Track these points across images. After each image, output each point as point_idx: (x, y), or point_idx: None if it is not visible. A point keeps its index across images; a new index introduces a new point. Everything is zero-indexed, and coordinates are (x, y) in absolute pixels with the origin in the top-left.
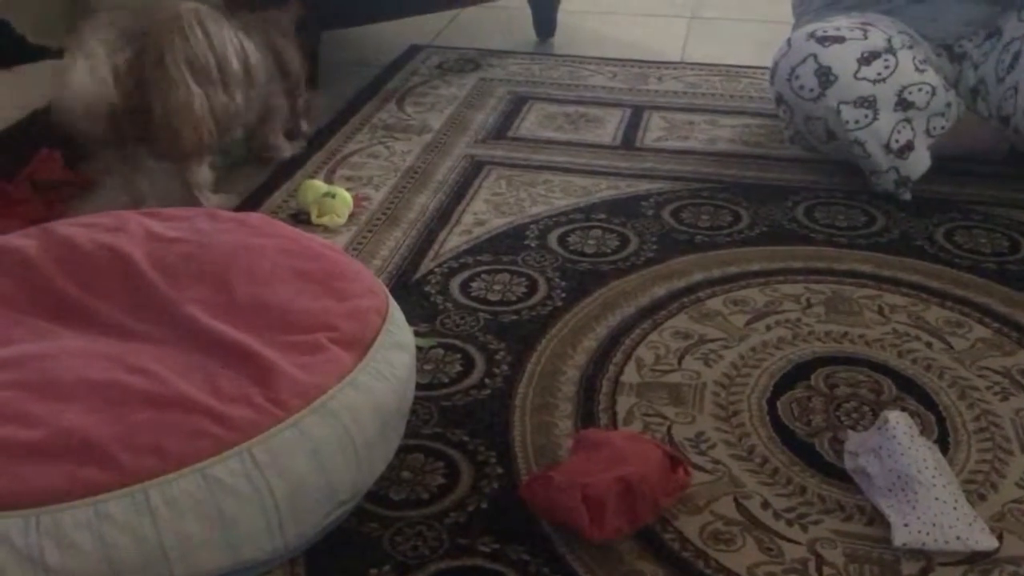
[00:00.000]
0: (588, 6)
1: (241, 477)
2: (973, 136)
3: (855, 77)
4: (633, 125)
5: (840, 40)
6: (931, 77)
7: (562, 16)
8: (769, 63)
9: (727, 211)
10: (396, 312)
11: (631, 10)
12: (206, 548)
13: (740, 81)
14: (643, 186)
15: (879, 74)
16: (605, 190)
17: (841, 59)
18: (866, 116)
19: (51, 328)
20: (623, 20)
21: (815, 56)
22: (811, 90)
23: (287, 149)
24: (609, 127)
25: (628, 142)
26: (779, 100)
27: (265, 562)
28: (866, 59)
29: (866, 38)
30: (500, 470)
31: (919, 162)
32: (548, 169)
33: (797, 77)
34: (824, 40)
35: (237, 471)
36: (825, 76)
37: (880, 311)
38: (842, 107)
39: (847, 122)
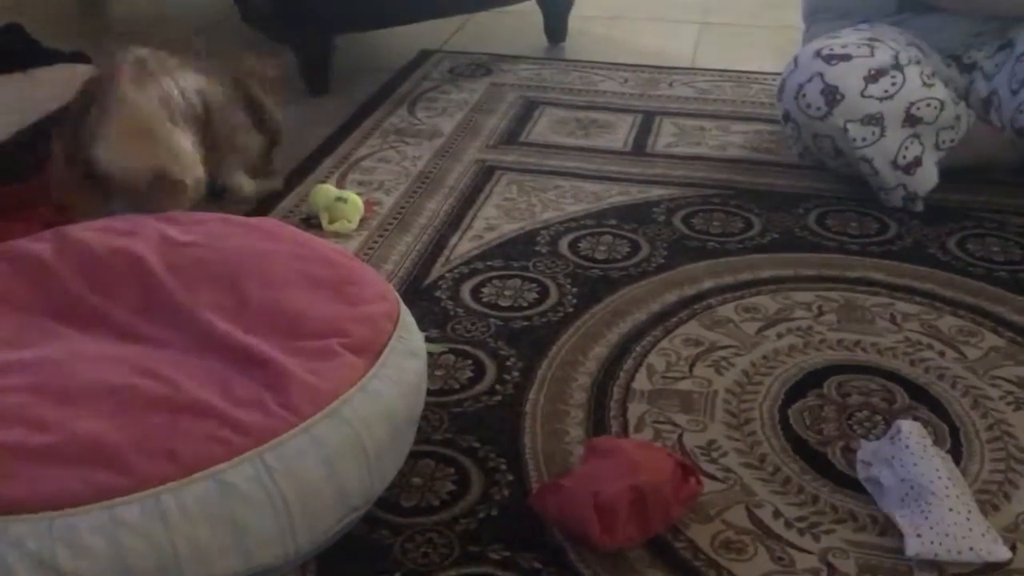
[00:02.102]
0: (599, 11)
1: (253, 483)
2: (985, 147)
3: (862, 95)
4: (644, 131)
5: (847, 58)
6: (939, 91)
7: (573, 21)
8: (780, 69)
9: (738, 218)
10: (407, 318)
11: (642, 15)
12: (218, 553)
13: (751, 87)
14: (654, 192)
15: (886, 91)
16: (616, 196)
17: (847, 78)
18: (873, 133)
19: (65, 332)
20: (634, 25)
21: (821, 75)
22: (818, 108)
23: (247, 186)
24: (620, 132)
25: (639, 148)
26: (787, 117)
27: (277, 567)
28: (873, 77)
29: (873, 55)
30: (511, 477)
31: (927, 178)
32: (559, 174)
33: (804, 95)
34: (831, 59)
35: (250, 476)
36: (832, 95)
37: (892, 319)
38: (849, 125)
39: (854, 140)
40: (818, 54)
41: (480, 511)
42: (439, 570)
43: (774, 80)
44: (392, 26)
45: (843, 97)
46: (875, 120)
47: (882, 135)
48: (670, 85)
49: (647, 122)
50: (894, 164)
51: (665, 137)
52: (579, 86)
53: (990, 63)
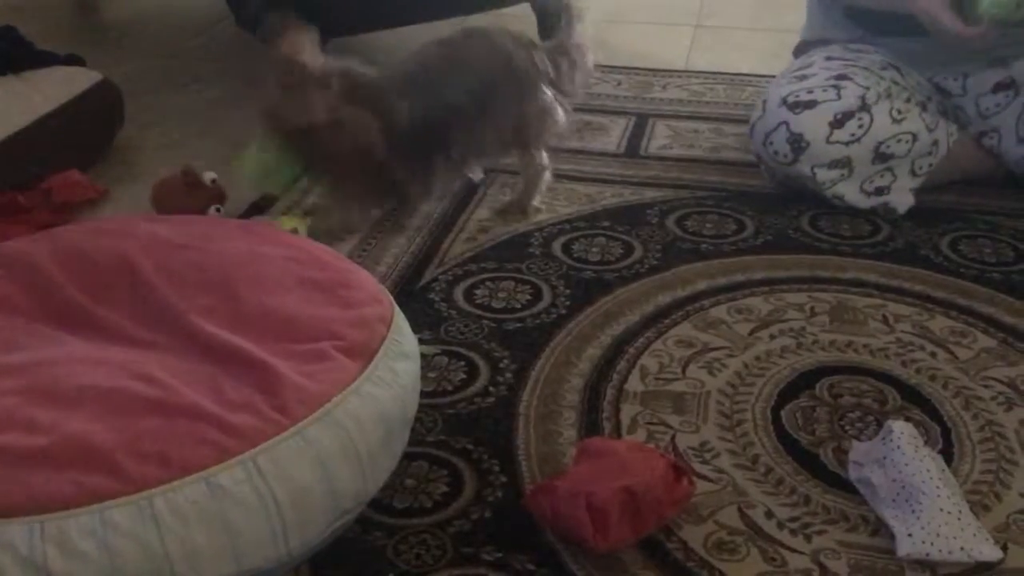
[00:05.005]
0: (593, 14)
1: (246, 485)
2: (968, 163)
3: (827, 142)
4: (638, 133)
5: (812, 105)
6: (911, 124)
7: None
8: (774, 71)
9: (731, 219)
10: (401, 320)
11: (636, 18)
12: (210, 556)
13: (744, 89)
14: (647, 194)
15: (852, 135)
16: (609, 198)
17: (812, 126)
18: (842, 175)
19: (57, 334)
20: (628, 28)
21: (787, 124)
22: (785, 155)
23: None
24: (614, 135)
25: (633, 150)
26: (758, 159)
27: (269, 570)
28: (838, 121)
29: (839, 98)
30: (504, 478)
31: (901, 201)
32: (553, 176)
33: (771, 143)
34: (795, 106)
35: (241, 479)
36: (797, 143)
37: (885, 320)
38: (816, 170)
39: (823, 183)
40: (784, 101)
41: (473, 512)
42: (432, 571)
43: (767, 83)
44: (386, 29)
45: (808, 144)
46: (842, 163)
47: (850, 175)
48: (664, 88)
49: (640, 124)
50: (865, 193)
51: (659, 139)
52: None
53: (988, 100)
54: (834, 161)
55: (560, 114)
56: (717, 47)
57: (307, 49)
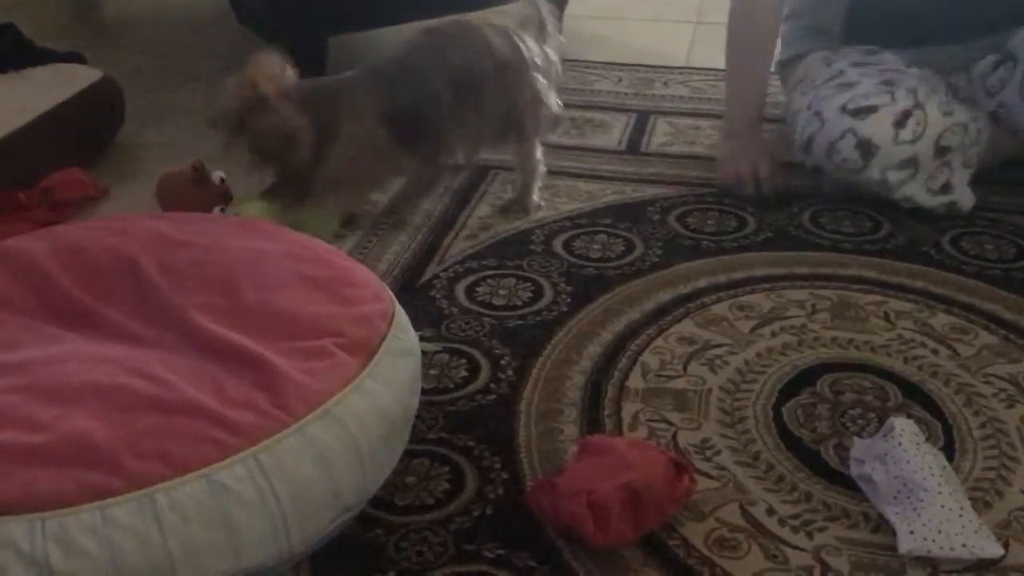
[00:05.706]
0: (594, 10)
1: (247, 483)
2: (1004, 146)
3: (895, 143)
4: (639, 130)
5: (873, 109)
6: (959, 115)
7: (568, 20)
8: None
9: (733, 216)
10: (402, 317)
11: (637, 15)
12: (211, 553)
13: None
14: (649, 191)
15: (915, 132)
16: (610, 195)
17: (879, 128)
18: (910, 175)
19: (58, 332)
20: (629, 25)
21: (853, 131)
22: (854, 162)
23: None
24: (615, 132)
25: (634, 147)
26: (815, 170)
27: (270, 568)
28: (900, 122)
29: (894, 100)
30: (505, 475)
31: (964, 198)
32: (553, 174)
33: (838, 152)
34: (857, 112)
35: (243, 477)
36: (866, 148)
37: (886, 317)
38: (887, 173)
39: (893, 184)
40: (844, 109)
41: (474, 509)
42: (433, 568)
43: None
44: (387, 26)
45: (878, 148)
46: (910, 163)
47: (916, 173)
48: (665, 84)
49: (642, 121)
50: (931, 192)
51: (660, 136)
52: (574, 85)
53: (992, 79)
54: (903, 162)
55: (553, 101)
56: (718, 44)
57: (274, 74)
